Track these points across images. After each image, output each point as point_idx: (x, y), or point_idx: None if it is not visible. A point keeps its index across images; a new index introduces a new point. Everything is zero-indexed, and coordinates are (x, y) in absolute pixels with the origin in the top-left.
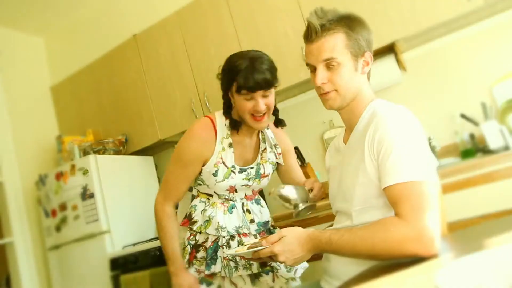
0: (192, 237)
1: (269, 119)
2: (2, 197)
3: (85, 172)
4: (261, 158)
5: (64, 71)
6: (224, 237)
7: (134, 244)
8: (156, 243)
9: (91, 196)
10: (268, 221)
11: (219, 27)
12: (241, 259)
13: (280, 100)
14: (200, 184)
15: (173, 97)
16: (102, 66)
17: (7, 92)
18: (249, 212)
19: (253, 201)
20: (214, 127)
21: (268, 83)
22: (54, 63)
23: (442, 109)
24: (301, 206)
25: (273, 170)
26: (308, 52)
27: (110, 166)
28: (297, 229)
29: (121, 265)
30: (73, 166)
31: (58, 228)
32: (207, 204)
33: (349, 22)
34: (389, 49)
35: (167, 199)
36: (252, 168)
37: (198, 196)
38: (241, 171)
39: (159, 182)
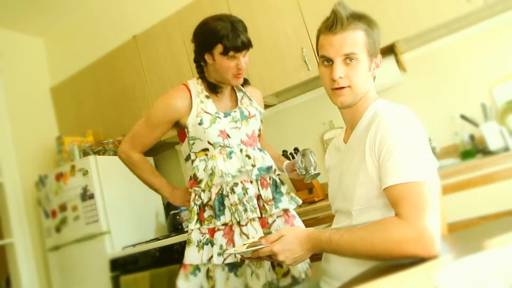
0: (197, 197)
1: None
2: (2, 198)
3: (85, 173)
4: (241, 104)
5: (64, 72)
6: (228, 185)
7: (134, 245)
8: (156, 244)
9: (91, 197)
10: (271, 166)
11: None
12: (247, 203)
13: (280, 101)
14: (194, 143)
15: None
16: (102, 67)
17: (7, 93)
18: (249, 157)
19: (254, 148)
20: (187, 87)
21: (250, 43)
22: (54, 64)
23: (442, 110)
24: (313, 171)
25: (260, 115)
26: (327, 43)
27: (110, 167)
28: (297, 229)
29: (121, 266)
30: (73, 167)
31: (58, 229)
32: (207, 160)
33: (368, 21)
34: (389, 50)
35: (133, 148)
36: (235, 111)
37: (196, 157)
38: (225, 115)
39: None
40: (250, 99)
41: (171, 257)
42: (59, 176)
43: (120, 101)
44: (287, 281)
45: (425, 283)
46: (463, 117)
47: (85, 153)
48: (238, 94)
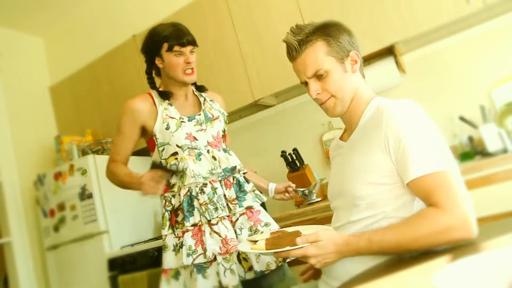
0: (167, 203)
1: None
2: (0, 196)
3: (84, 172)
4: (205, 107)
5: (63, 71)
6: (197, 186)
7: (132, 245)
8: (155, 244)
9: (90, 196)
10: (235, 166)
11: (219, 28)
12: (217, 203)
13: (279, 102)
14: (163, 150)
15: None
16: (101, 66)
17: (6, 92)
18: (215, 159)
19: (220, 149)
20: (150, 94)
21: (194, 41)
22: (53, 63)
23: (441, 112)
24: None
25: (223, 116)
26: (296, 70)
27: None
28: (334, 235)
29: (119, 265)
30: (71, 166)
31: (56, 228)
32: (177, 163)
33: (324, 30)
34: (389, 51)
35: (113, 160)
36: (199, 115)
37: (167, 163)
38: (190, 119)
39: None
40: (212, 102)
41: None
42: (58, 176)
43: (119, 101)
44: (251, 275)
45: (424, 283)
46: (462, 118)
47: (84, 153)
48: (200, 98)
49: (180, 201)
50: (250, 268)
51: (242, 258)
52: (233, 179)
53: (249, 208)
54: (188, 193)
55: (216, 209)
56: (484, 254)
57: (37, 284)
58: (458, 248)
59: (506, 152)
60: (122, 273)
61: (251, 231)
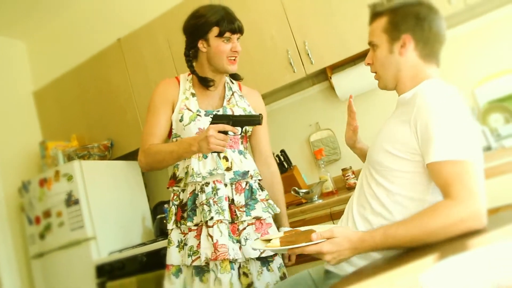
0: (175, 197)
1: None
2: None
3: (70, 178)
4: (228, 103)
5: (47, 76)
6: (199, 184)
7: (120, 250)
8: (143, 249)
9: (76, 202)
10: (248, 171)
11: None
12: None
13: (267, 103)
14: (175, 140)
15: None
16: (86, 70)
17: None
18: (227, 160)
19: (235, 150)
20: (177, 79)
21: (243, 29)
22: (36, 68)
23: None
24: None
25: (245, 113)
26: None
27: (95, 172)
28: (349, 231)
29: (107, 272)
30: (57, 172)
31: (42, 236)
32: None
33: (397, 7)
34: None
35: (147, 144)
36: (218, 111)
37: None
38: (206, 114)
39: (145, 186)
40: (241, 98)
41: (158, 262)
42: (43, 182)
43: (105, 105)
44: None
45: (412, 283)
46: None
47: (69, 158)
48: (227, 93)
49: (188, 197)
50: (250, 285)
51: (242, 272)
52: (246, 184)
53: (259, 218)
54: (194, 191)
55: (210, 211)
56: (470, 253)
57: None
58: (444, 246)
59: (490, 149)
60: (111, 279)
61: None
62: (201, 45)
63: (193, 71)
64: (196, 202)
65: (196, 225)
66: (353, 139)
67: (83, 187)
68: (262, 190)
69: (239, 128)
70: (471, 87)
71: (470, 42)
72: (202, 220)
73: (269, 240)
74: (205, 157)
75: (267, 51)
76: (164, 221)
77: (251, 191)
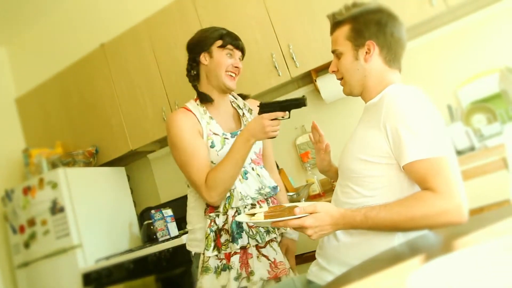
0: (212, 223)
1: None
2: None
3: (54, 185)
4: (245, 123)
5: (30, 82)
6: (245, 206)
7: (107, 258)
8: (131, 255)
9: (61, 210)
10: (277, 186)
11: (188, 34)
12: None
13: None
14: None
15: (144, 106)
16: (69, 76)
17: None
18: (259, 176)
19: (262, 166)
20: (188, 109)
21: (244, 50)
22: (19, 74)
23: None
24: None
25: None
26: None
27: (81, 179)
28: (330, 207)
29: (94, 280)
30: (41, 180)
31: (26, 245)
32: None
33: (357, 15)
34: None
35: (204, 176)
36: (241, 131)
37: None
38: (232, 135)
39: (131, 192)
40: (250, 114)
41: (146, 268)
42: (27, 190)
43: (90, 111)
44: None
45: (397, 285)
46: None
47: (53, 165)
48: (239, 111)
49: (224, 221)
50: None
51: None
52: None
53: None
54: (237, 214)
55: (268, 232)
56: (456, 254)
57: None
58: (430, 248)
59: (473, 149)
60: (98, 287)
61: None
62: (203, 58)
63: (195, 87)
64: (243, 226)
65: (241, 247)
66: (327, 160)
67: (68, 195)
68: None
69: (287, 112)
70: (454, 88)
71: (452, 43)
72: (251, 242)
73: (254, 214)
74: (246, 177)
75: (252, 55)
76: (152, 227)
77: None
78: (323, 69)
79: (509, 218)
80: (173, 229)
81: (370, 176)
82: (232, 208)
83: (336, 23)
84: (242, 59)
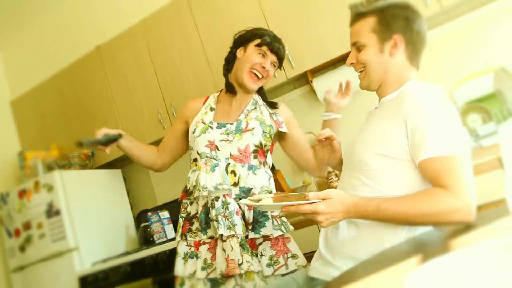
0: (183, 209)
1: (263, 82)
2: None
3: (50, 188)
4: (245, 116)
5: (25, 84)
6: (210, 198)
7: (104, 261)
8: (127, 258)
9: (57, 213)
10: (252, 188)
11: (184, 36)
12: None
13: None
14: (191, 153)
15: (140, 108)
16: (65, 78)
17: None
18: (234, 174)
19: (245, 165)
20: (206, 99)
21: (280, 58)
22: (13, 77)
23: None
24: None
25: (265, 129)
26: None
27: (77, 181)
28: (344, 194)
29: (91, 283)
30: (37, 183)
31: (22, 248)
32: (195, 170)
33: (384, 8)
34: None
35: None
36: (232, 124)
37: (191, 167)
38: (219, 126)
39: (128, 194)
40: (261, 113)
41: (143, 271)
42: (22, 193)
43: (85, 113)
44: None
45: (397, 285)
46: None
47: (49, 168)
48: (248, 107)
49: (197, 210)
50: None
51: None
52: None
53: (268, 237)
54: (206, 204)
55: (219, 227)
56: (455, 254)
57: None
58: (427, 248)
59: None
60: None
61: (271, 260)
62: (239, 52)
63: (225, 74)
64: (210, 216)
65: (210, 237)
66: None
67: (64, 198)
68: None
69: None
70: (449, 88)
71: (447, 44)
72: (215, 234)
73: (258, 201)
74: (213, 170)
75: None
76: (148, 230)
77: None
78: (319, 70)
79: (505, 217)
80: (170, 232)
81: (385, 170)
82: (204, 197)
83: (358, 14)
84: (279, 66)
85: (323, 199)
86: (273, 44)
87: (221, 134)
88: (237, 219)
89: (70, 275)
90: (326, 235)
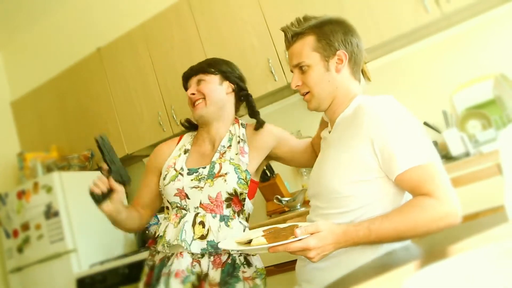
0: (150, 257)
1: (209, 108)
2: None
3: (49, 189)
4: (220, 157)
5: (25, 86)
6: (171, 254)
7: (102, 262)
8: (125, 260)
9: (56, 214)
10: (217, 244)
11: (185, 39)
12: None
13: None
14: (163, 199)
15: (140, 110)
16: (65, 80)
17: None
18: (203, 226)
19: (216, 215)
20: (180, 138)
21: (198, 69)
22: (14, 78)
23: None
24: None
25: (240, 177)
26: (288, 58)
27: (76, 183)
28: (332, 225)
29: (88, 285)
30: (36, 184)
31: (20, 249)
32: (166, 218)
33: (320, 25)
34: None
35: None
36: (204, 168)
37: (163, 214)
38: (190, 172)
39: (127, 196)
40: (238, 151)
41: (140, 273)
42: (21, 194)
43: (85, 115)
44: None
45: None
46: (426, 124)
47: (48, 169)
48: (224, 141)
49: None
50: None
51: None
52: (228, 258)
53: None
54: (163, 259)
55: (168, 284)
56: (452, 259)
57: None
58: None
59: (468, 155)
60: None
61: None
62: None
63: (187, 120)
64: (161, 272)
65: None
66: None
67: (63, 199)
68: (249, 265)
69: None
70: (449, 94)
71: (447, 49)
72: None
73: (246, 243)
74: (180, 222)
75: (248, 60)
76: (146, 232)
77: (233, 266)
78: None
79: (503, 223)
80: None
81: (359, 194)
82: (159, 252)
83: (295, 35)
84: (208, 71)
85: (312, 233)
86: (186, 73)
87: (191, 180)
88: (176, 282)
89: (67, 277)
90: (299, 268)
